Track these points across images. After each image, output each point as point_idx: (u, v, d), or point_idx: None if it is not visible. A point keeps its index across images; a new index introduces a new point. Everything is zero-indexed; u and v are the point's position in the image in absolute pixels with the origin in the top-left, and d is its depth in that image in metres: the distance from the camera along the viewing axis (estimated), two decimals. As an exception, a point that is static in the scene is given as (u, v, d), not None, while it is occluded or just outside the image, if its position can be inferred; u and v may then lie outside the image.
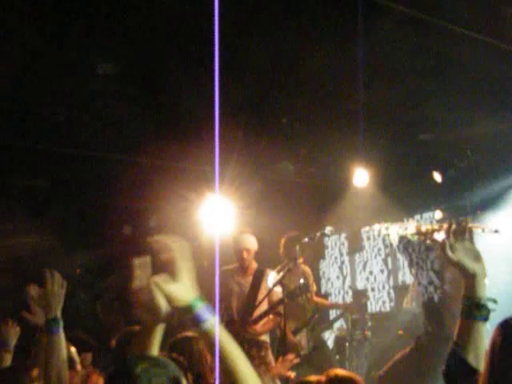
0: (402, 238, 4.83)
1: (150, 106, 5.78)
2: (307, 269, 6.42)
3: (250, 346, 4.43)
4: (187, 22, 4.51)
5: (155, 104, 5.79)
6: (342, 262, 9.13)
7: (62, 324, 2.70)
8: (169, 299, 1.68)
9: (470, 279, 1.91)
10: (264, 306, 5.57)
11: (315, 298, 6.65)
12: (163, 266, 1.71)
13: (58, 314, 2.71)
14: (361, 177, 7.00)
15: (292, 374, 4.54)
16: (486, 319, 1.87)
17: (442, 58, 5.14)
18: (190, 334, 3.42)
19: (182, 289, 1.67)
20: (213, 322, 1.67)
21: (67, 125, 5.84)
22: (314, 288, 6.67)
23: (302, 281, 5.80)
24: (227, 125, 3.28)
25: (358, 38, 4.63)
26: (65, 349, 2.69)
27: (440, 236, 4.82)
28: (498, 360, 1.74)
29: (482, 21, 4.59)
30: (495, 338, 1.78)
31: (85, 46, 4.78)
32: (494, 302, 1.90)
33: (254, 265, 5.80)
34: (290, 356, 4.57)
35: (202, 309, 1.67)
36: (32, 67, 4.85)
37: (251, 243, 5.81)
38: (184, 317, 1.69)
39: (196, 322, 1.66)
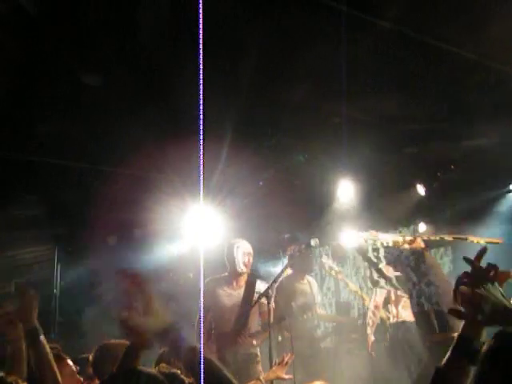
0: (391, 250, 4.84)
1: (135, 116, 5.78)
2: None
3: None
4: (171, 33, 4.53)
5: (140, 115, 5.79)
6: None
7: (41, 332, 2.77)
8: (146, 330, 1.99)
9: (479, 323, 1.79)
10: (254, 317, 5.53)
11: (319, 311, 6.62)
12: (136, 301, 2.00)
13: (36, 323, 2.78)
14: (345, 190, 7.04)
15: (289, 377, 4.59)
16: (474, 363, 1.75)
17: (426, 71, 5.20)
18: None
19: (155, 320, 1.97)
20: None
21: (52, 136, 5.82)
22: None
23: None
24: (212, 136, 3.30)
25: (341, 51, 4.68)
26: (50, 353, 2.76)
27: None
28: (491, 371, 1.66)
29: (468, 37, 4.66)
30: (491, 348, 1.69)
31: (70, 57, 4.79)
32: None
33: (245, 276, 5.73)
34: (286, 358, 4.60)
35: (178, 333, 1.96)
36: (17, 78, 4.84)
37: (250, 247, 5.77)
38: (163, 341, 2.03)
39: (175, 344, 1.96)
